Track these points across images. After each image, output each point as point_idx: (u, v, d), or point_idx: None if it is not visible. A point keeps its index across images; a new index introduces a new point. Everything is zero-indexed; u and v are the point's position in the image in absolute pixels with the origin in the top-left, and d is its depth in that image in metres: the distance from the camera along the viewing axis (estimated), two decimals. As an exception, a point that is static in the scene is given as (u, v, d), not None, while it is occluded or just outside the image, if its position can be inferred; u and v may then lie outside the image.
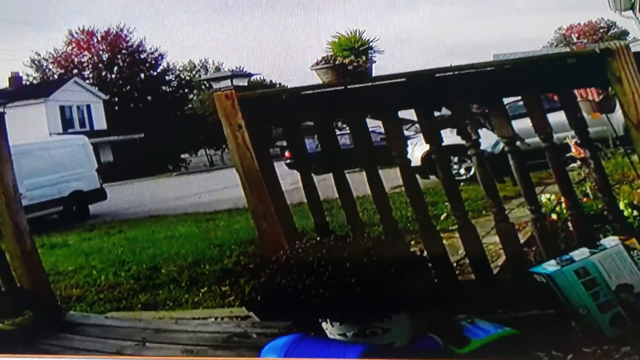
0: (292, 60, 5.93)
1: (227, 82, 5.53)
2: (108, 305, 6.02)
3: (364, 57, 5.24)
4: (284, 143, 5.98)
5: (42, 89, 8.02)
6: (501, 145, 5.16)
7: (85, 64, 8.08)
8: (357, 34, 5.28)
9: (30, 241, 5.98)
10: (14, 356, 4.16)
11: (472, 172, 5.77)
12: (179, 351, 4.81)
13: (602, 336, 4.02)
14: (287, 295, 4.14)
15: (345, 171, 5.23)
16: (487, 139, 5.29)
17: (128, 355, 4.89)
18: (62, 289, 6.31)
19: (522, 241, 5.17)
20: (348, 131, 5.66)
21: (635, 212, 5.14)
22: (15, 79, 7.52)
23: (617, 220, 4.89)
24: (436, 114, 5.34)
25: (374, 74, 5.32)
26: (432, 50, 5.70)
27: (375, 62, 5.31)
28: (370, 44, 5.29)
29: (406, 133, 5.60)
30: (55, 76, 8.07)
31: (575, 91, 5.26)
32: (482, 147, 5.00)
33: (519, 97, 5.18)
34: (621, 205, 5.15)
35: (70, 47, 7.96)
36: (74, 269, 6.50)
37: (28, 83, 7.81)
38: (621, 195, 5.40)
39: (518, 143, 4.97)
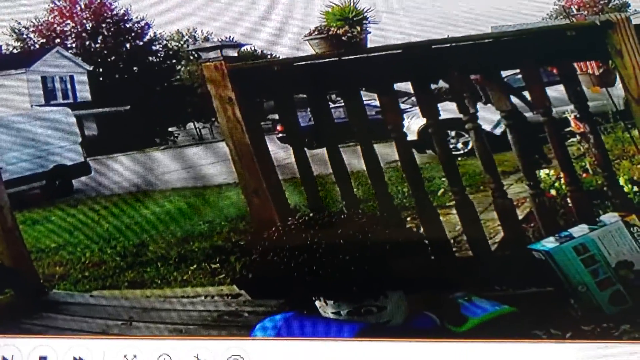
0: (284, 30, 5.95)
1: (217, 53, 5.56)
2: (93, 284, 6.03)
3: (358, 28, 5.28)
4: (276, 116, 6.01)
5: (22, 59, 7.95)
6: (502, 126, 5.23)
7: (68, 33, 8.03)
8: (352, 4, 5.31)
9: (11, 217, 6.00)
10: (-6, 336, 4.18)
11: (469, 147, 5.84)
12: (167, 330, 4.85)
13: (601, 314, 4.10)
14: (280, 272, 4.19)
15: (339, 145, 5.28)
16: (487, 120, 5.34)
17: (114, 334, 4.89)
18: (45, 267, 6.31)
19: (520, 217, 5.25)
20: (342, 104, 5.71)
21: (635, 188, 5.20)
22: (-6, 48, 7.49)
23: (617, 196, 4.98)
24: (433, 86, 5.39)
25: (369, 45, 5.36)
26: (429, 21, 5.73)
27: (370, 32, 5.35)
28: (365, 14, 5.32)
29: (402, 106, 5.63)
30: (37, 46, 8.01)
31: (575, 64, 5.31)
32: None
33: (518, 70, 5.23)
34: (621, 181, 5.22)
35: (52, 16, 7.90)
36: (57, 245, 6.49)
37: (8, 52, 7.75)
38: (621, 171, 5.45)
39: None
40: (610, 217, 4.39)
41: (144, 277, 5.92)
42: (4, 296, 5.82)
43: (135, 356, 3.95)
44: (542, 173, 5.49)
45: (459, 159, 5.94)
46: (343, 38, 5.25)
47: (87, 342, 4.04)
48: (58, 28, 7.98)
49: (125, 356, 3.95)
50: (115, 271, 6.07)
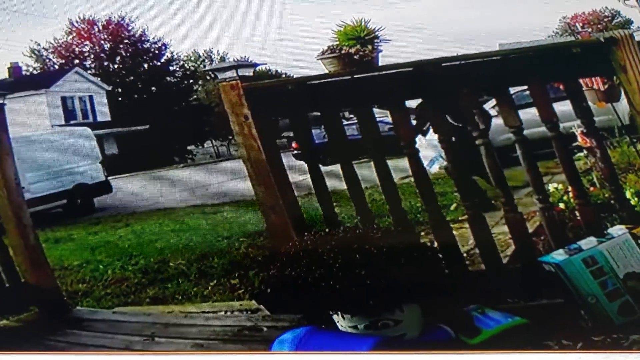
0: (298, 50, 6.04)
1: (233, 73, 5.64)
2: (115, 300, 6.10)
3: (370, 47, 5.35)
4: (291, 134, 6.08)
5: (42, 80, 8.02)
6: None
7: (86, 54, 8.11)
8: (363, 23, 5.39)
9: (34, 235, 6.08)
10: (21, 353, 4.27)
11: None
12: (189, 346, 4.90)
13: (611, 324, 4.16)
14: (297, 287, 4.27)
15: (353, 162, 5.36)
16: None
17: (137, 350, 4.96)
18: (68, 284, 6.36)
19: (530, 231, 5.32)
20: (355, 121, 5.78)
21: (642, 201, 5.28)
22: (14, 69, 7.55)
23: (624, 209, 5.04)
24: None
25: (380, 63, 5.44)
26: (438, 39, 5.82)
27: (381, 51, 5.43)
28: (376, 33, 5.40)
29: (414, 122, 5.70)
30: (56, 66, 8.08)
31: (581, 80, 5.37)
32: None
33: (525, 87, 5.30)
34: (628, 194, 5.29)
35: (70, 37, 7.98)
36: (79, 263, 6.54)
37: (28, 73, 7.81)
38: (627, 184, 5.50)
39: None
40: (617, 230, 4.46)
41: (166, 293, 5.97)
42: (29, 313, 5.91)
43: (158, 371, 4.03)
44: (551, 187, 5.56)
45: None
46: (355, 57, 5.33)
47: (110, 358, 4.11)
48: (77, 49, 8.05)
49: (148, 371, 4.04)
50: (137, 287, 6.13)
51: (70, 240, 6.92)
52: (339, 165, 5.35)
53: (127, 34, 8.04)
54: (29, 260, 6.00)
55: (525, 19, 5.65)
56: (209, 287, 5.93)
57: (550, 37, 5.83)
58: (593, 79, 5.56)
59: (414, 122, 5.42)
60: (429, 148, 5.57)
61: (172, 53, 8.20)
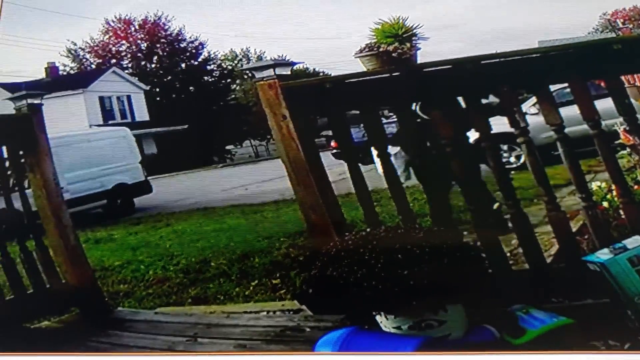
0: (335, 48, 6.03)
1: (270, 72, 5.61)
2: (157, 301, 6.11)
3: (408, 44, 5.33)
4: (330, 133, 6.07)
5: (80, 80, 8.04)
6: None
7: (123, 54, 8.12)
8: (401, 21, 5.37)
9: (74, 236, 6.12)
10: (62, 354, 4.29)
11: (522, 160, 5.86)
12: (231, 346, 4.90)
13: (659, 324, 4.13)
14: (339, 287, 4.26)
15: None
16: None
17: (180, 351, 4.97)
18: (109, 285, 6.38)
19: (574, 230, 5.27)
20: (395, 119, 5.77)
21: (686, 198, 5.21)
22: (51, 69, 7.56)
23: (669, 207, 4.99)
24: (484, 101, 5.43)
25: (418, 61, 5.42)
26: (477, 36, 5.79)
27: (419, 49, 5.41)
28: (414, 30, 5.38)
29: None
30: (93, 66, 8.10)
31: (623, 77, 5.32)
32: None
33: (566, 84, 5.26)
34: (672, 192, 5.24)
35: (107, 36, 8.00)
36: (120, 263, 6.56)
37: (65, 73, 7.83)
38: (673, 182, 5.46)
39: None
40: (663, 228, 4.43)
41: (207, 293, 5.97)
42: (70, 315, 5.95)
43: (201, 372, 4.04)
44: (594, 185, 5.50)
45: (512, 172, 5.96)
46: (393, 54, 5.31)
47: (153, 359, 4.12)
48: (113, 48, 8.07)
49: (191, 372, 4.04)
50: (178, 288, 6.13)
51: (110, 240, 6.94)
52: (379, 164, 5.34)
53: (163, 33, 8.05)
54: (70, 261, 6.03)
55: (565, 15, 5.60)
56: (251, 287, 5.92)
57: (590, 33, 5.77)
58: (635, 75, 5.50)
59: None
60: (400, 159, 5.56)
61: (209, 52, 8.19)
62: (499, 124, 5.31)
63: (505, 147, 6.39)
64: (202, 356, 4.16)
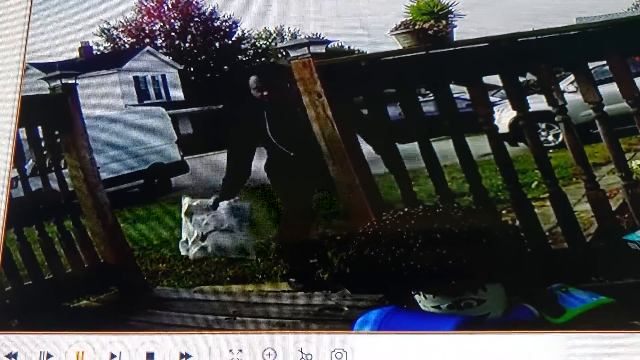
0: (370, 26, 6.01)
1: (305, 50, 5.61)
2: (196, 279, 6.09)
3: (444, 22, 5.33)
4: (365, 111, 6.06)
5: (113, 59, 8.01)
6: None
7: (157, 33, 8.08)
8: (436, -2, 5.37)
9: (112, 215, 6.18)
10: (102, 333, 4.33)
11: (560, 139, 5.85)
12: (270, 325, 4.96)
13: (701, 303, 4.13)
14: (377, 267, 4.29)
15: (431, 139, 5.35)
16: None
17: (219, 329, 5.02)
18: (148, 264, 6.36)
19: (613, 208, 5.26)
20: (432, 98, 5.77)
21: None
22: (85, 48, 7.52)
23: None
24: (521, 79, 5.42)
25: (455, 39, 5.41)
26: (514, 13, 5.76)
27: (456, 26, 5.40)
28: (450, 7, 5.37)
29: (492, 99, 5.66)
30: (127, 46, 8.08)
31: (664, 54, 5.30)
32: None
33: (604, 62, 5.23)
34: None
35: (140, 15, 7.96)
36: (159, 243, 6.54)
37: (99, 53, 7.82)
38: None
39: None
40: None
41: (245, 272, 5.95)
42: (109, 294, 6.00)
43: (240, 350, 4.07)
44: (634, 164, 5.47)
45: (550, 151, 5.94)
46: (429, 32, 5.31)
47: (193, 337, 4.16)
48: (147, 28, 8.04)
49: (230, 351, 4.08)
50: (217, 267, 6.09)
51: (148, 220, 6.93)
52: (416, 143, 5.35)
53: (197, 12, 8.00)
54: (108, 241, 6.09)
55: (604, -9, 5.55)
56: (288, 267, 5.93)
57: (630, 10, 5.71)
58: (677, 52, 5.47)
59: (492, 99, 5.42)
60: None
61: (242, 31, 8.14)
62: (537, 102, 5.31)
63: (543, 126, 6.35)
64: (241, 334, 4.18)
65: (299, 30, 6.81)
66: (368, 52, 6.10)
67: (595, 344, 3.81)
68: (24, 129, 5.82)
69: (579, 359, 3.79)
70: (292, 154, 5.99)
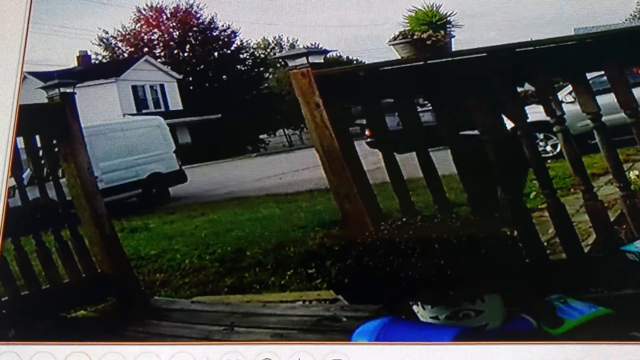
0: (369, 36, 6.03)
1: (303, 60, 5.62)
2: (194, 290, 6.10)
3: (442, 32, 5.35)
4: (364, 121, 6.07)
5: (112, 68, 8.03)
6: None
7: (155, 42, 8.10)
8: (435, 8, 5.37)
9: (109, 225, 6.18)
10: (99, 344, 4.33)
11: (558, 149, 5.86)
12: (268, 335, 4.94)
13: (700, 315, 4.13)
14: (375, 277, 4.29)
15: (429, 149, 5.36)
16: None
17: (217, 340, 5.02)
18: (146, 274, 6.37)
19: (612, 219, 5.26)
20: (430, 107, 5.77)
21: None
22: (83, 58, 7.54)
23: None
24: (519, 89, 5.43)
25: (453, 49, 5.42)
26: (512, 24, 5.77)
27: (454, 36, 5.42)
28: (448, 18, 5.38)
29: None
30: (125, 55, 8.10)
31: (661, 64, 5.31)
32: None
33: (602, 72, 5.24)
34: None
35: (139, 25, 7.97)
36: (156, 252, 6.55)
37: (97, 62, 7.83)
38: None
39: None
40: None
41: (243, 282, 5.97)
42: (106, 304, 5.99)
43: (238, 361, 4.07)
44: (632, 174, 5.48)
45: (549, 161, 5.95)
46: (427, 42, 5.33)
47: (190, 348, 4.16)
48: (145, 37, 8.06)
49: (228, 361, 4.08)
50: (214, 277, 6.12)
51: (146, 229, 6.95)
52: (414, 153, 5.35)
53: (195, 21, 8.02)
54: (105, 250, 6.09)
55: (601, 2, 5.56)
56: (286, 277, 5.92)
57: (628, 20, 5.73)
58: (675, 62, 5.48)
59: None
60: None
61: (241, 41, 8.17)
62: (535, 113, 5.31)
63: (541, 136, 6.36)
64: (239, 345, 4.18)
65: (297, 40, 6.83)
66: (366, 62, 6.13)
67: (594, 355, 3.80)
68: (21, 138, 5.79)
69: (578, 371, 3.79)
70: None
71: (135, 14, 7.90)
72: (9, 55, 5.04)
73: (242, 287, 5.97)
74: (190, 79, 8.22)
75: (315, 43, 6.07)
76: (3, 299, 5.45)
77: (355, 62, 6.41)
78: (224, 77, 8.33)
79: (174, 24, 8.07)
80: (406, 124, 5.50)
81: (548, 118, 5.15)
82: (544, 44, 5.17)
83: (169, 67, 8.15)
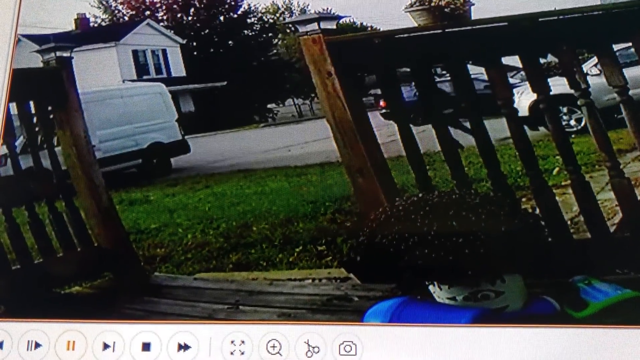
0: (384, 2, 5.99)
1: (314, 26, 5.58)
2: (197, 266, 6.07)
3: (461, -1, 5.33)
4: (378, 91, 6.05)
5: (112, 32, 7.98)
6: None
7: (158, 5, 8.06)
8: (453, -26, 5.36)
9: (107, 197, 6.15)
10: (95, 321, 4.32)
11: (583, 124, 5.84)
12: (275, 315, 4.90)
13: None
14: (389, 255, 4.27)
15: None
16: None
17: (220, 319, 4.96)
18: (145, 249, 6.33)
19: (639, 197, 5.24)
20: (448, 78, 5.75)
21: None
22: (81, 20, 7.48)
23: None
24: (542, 60, 5.40)
25: (472, 17, 5.39)
26: (535, -8, 5.73)
27: (473, 4, 5.39)
28: (468, -16, 5.37)
29: (511, 81, 5.64)
30: (126, 18, 8.05)
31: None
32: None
33: (630, 44, 5.21)
34: None
35: (140, -14, 7.96)
36: (157, 226, 6.53)
37: (96, 25, 7.78)
38: None
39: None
40: None
41: (249, 259, 5.94)
42: (103, 280, 5.94)
43: (243, 342, 4.05)
44: (660, 151, 5.48)
45: (573, 136, 5.94)
46: (446, 10, 5.31)
47: (192, 327, 4.15)
48: (147, 0, 8.02)
49: (232, 342, 4.06)
50: (219, 253, 6.10)
51: (146, 202, 6.92)
52: (431, 126, 5.33)
53: (199, -17, 7.99)
54: (102, 223, 6.06)
55: (630, -30, 5.52)
56: (295, 254, 5.90)
57: (657, -10, 5.69)
58: None
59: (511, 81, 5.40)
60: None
61: (249, 4, 8.12)
62: (558, 85, 5.29)
63: (564, 110, 6.34)
64: (244, 325, 4.16)
65: (308, 4, 6.81)
66: (381, 29, 6.09)
67: (619, 339, 3.79)
68: (14, 103, 5.77)
69: (602, 356, 3.78)
70: None
71: (137, -25, 7.87)
72: (2, 16, 5.01)
73: (247, 264, 5.95)
74: (194, 44, 8.18)
75: (328, 8, 6.03)
76: (-8, 274, 5.44)
77: (369, 29, 6.37)
78: (230, 42, 8.29)
79: (178, -15, 8.03)
80: (423, 95, 5.46)
81: (572, 91, 5.11)
82: (569, 14, 5.13)
83: (172, 32, 8.10)
